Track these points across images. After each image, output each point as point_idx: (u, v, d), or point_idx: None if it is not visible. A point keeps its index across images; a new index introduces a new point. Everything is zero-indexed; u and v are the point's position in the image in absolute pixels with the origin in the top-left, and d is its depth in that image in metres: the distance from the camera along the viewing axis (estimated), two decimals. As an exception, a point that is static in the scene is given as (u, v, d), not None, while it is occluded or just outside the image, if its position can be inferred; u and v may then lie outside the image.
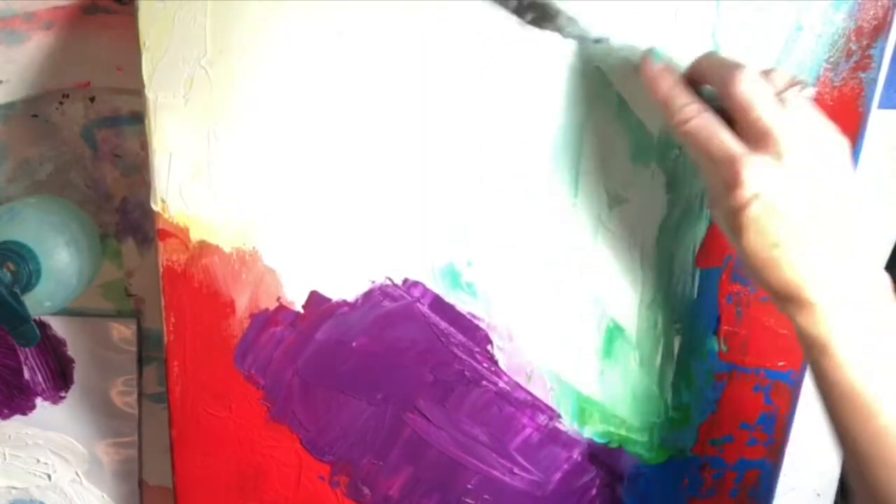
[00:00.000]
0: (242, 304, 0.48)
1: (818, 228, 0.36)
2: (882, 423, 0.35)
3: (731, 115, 0.37)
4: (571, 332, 0.48)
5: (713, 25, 0.42)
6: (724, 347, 0.48)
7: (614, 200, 0.45)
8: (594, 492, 0.51)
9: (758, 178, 0.35)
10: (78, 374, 0.59)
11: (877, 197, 0.51)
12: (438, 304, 0.48)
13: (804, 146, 0.36)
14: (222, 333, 0.49)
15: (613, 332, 0.47)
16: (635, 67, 0.41)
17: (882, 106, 0.48)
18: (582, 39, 0.42)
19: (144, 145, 0.46)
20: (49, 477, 0.63)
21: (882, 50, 0.42)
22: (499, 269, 0.47)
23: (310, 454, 0.51)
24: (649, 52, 0.40)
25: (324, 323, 0.48)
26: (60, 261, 0.50)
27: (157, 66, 0.44)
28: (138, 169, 0.54)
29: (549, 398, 0.49)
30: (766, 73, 0.38)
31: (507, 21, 0.42)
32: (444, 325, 0.48)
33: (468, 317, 0.48)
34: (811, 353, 0.37)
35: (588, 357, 0.48)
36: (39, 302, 0.49)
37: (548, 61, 0.43)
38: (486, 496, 0.51)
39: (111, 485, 0.63)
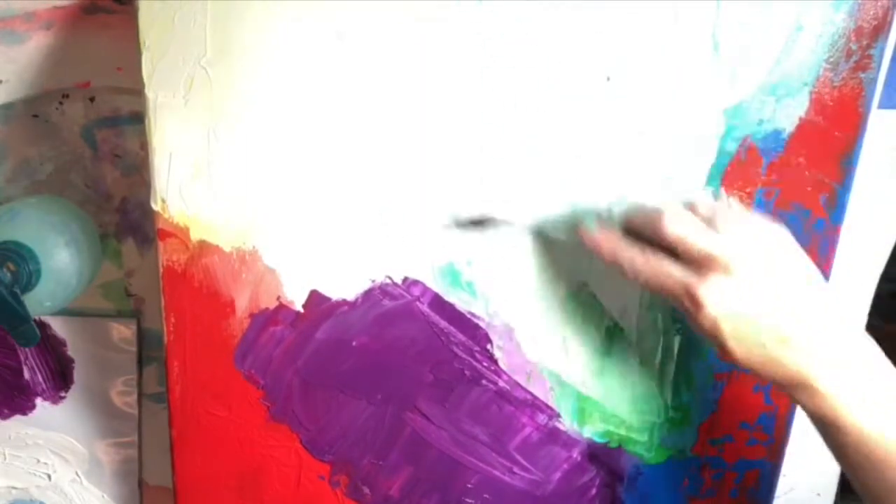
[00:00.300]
0: (242, 304, 0.48)
1: (793, 316, 0.38)
2: None
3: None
4: (571, 332, 0.48)
5: (713, 25, 0.42)
6: (723, 347, 0.48)
7: (614, 199, 0.45)
8: (594, 491, 0.51)
9: (715, 296, 0.38)
10: (78, 374, 0.59)
11: (877, 197, 0.51)
12: (438, 303, 0.48)
13: (746, 251, 0.38)
14: (222, 333, 0.49)
15: (613, 332, 0.47)
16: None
17: (882, 106, 0.48)
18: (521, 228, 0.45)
19: (144, 145, 0.46)
20: (49, 477, 0.63)
21: (882, 50, 0.42)
22: (499, 269, 0.47)
23: (310, 454, 0.51)
24: (582, 223, 0.42)
25: (324, 322, 0.48)
26: (60, 261, 0.50)
27: (157, 66, 0.44)
28: (138, 169, 0.54)
29: (548, 398, 0.49)
30: (689, 206, 0.40)
31: (507, 21, 0.43)
32: (443, 324, 0.48)
33: (468, 316, 0.48)
34: (825, 430, 0.38)
35: (588, 357, 0.48)
36: (39, 302, 0.49)
37: (548, 61, 0.43)
38: (485, 495, 0.51)
39: (111, 485, 0.63)
